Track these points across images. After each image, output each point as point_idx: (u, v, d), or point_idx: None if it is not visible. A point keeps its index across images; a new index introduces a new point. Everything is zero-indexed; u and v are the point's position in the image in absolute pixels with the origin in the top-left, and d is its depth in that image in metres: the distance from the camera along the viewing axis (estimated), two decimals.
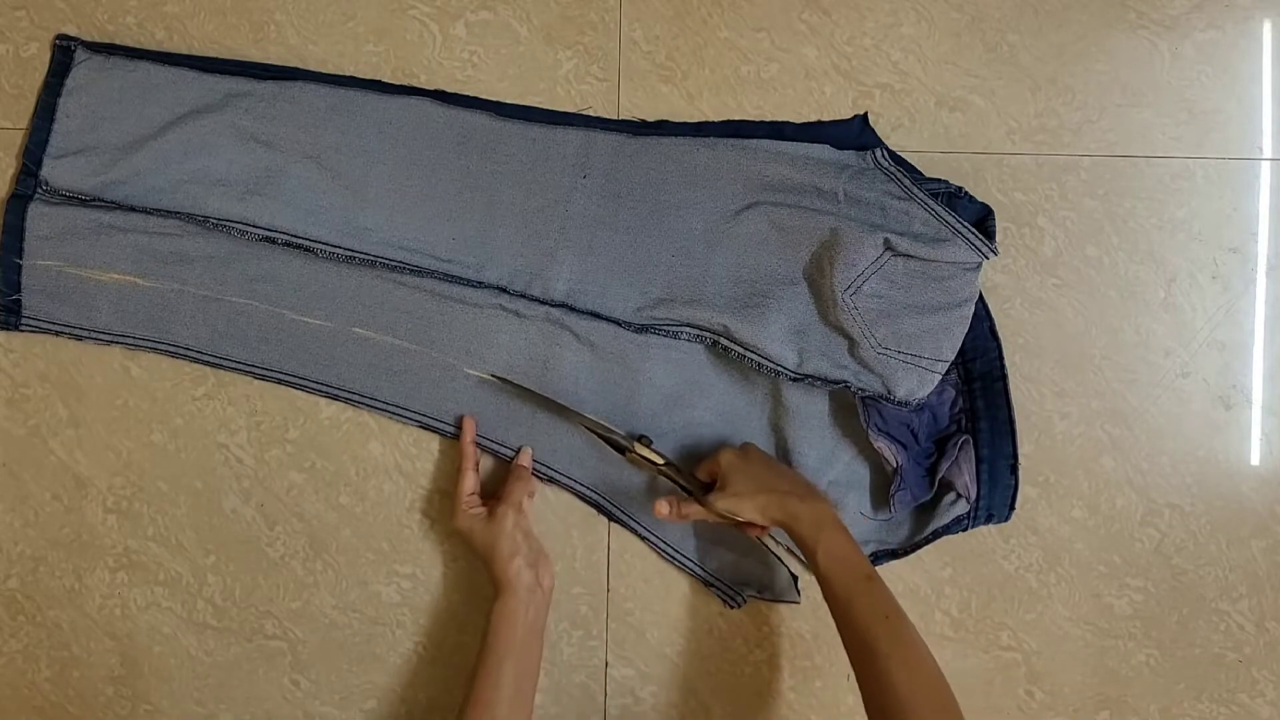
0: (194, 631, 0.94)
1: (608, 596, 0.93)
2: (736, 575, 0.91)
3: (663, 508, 0.81)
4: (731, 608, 0.91)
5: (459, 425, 0.90)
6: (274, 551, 0.94)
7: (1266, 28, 0.91)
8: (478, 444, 0.90)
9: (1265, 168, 0.91)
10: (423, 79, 0.93)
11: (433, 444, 0.93)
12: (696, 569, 0.91)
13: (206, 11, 0.93)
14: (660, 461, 0.85)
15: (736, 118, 0.91)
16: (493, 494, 0.90)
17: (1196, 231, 0.91)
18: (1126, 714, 0.92)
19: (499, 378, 0.89)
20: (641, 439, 0.86)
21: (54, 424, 0.94)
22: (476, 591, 0.93)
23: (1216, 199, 0.91)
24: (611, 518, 0.92)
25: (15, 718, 0.95)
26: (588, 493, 0.91)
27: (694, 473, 0.86)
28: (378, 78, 0.92)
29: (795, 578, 0.91)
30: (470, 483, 0.88)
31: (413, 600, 0.93)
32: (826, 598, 0.75)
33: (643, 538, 0.91)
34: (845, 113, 0.91)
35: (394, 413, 0.91)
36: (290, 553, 0.94)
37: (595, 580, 0.93)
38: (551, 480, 0.91)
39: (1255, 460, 0.91)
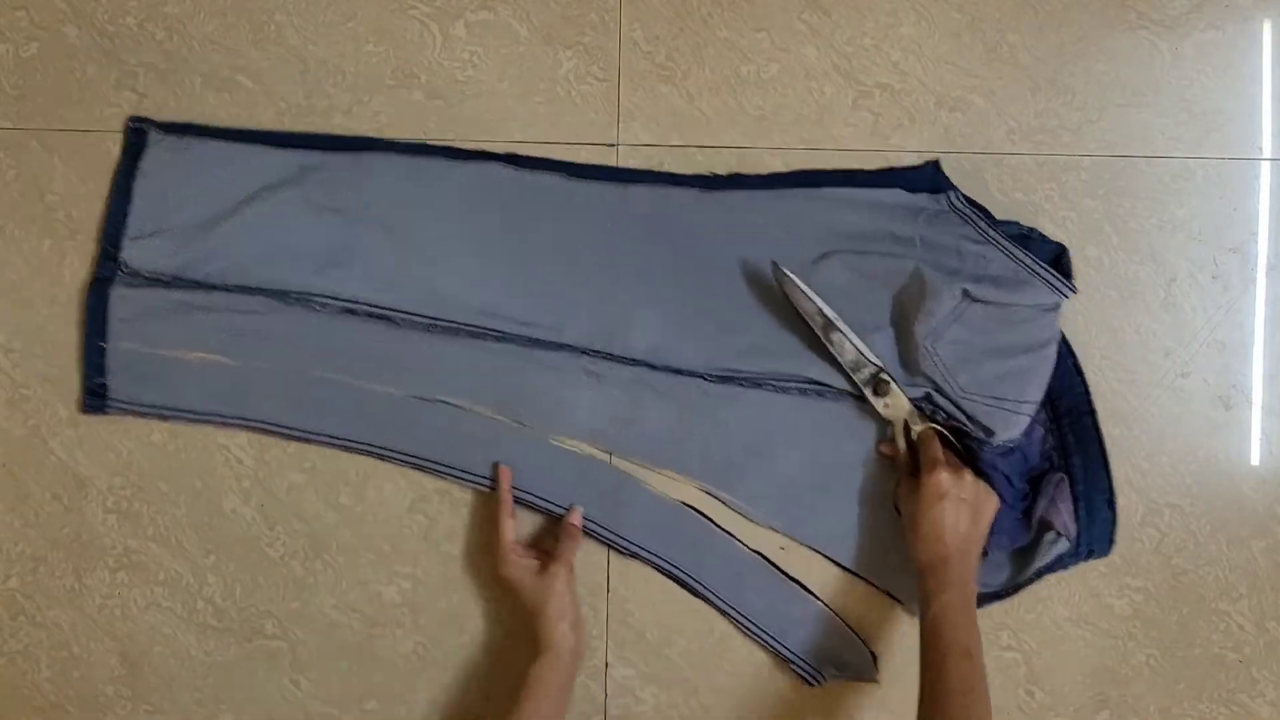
0: (194, 631, 0.94)
1: (608, 596, 0.93)
2: (819, 655, 0.90)
3: (886, 447, 0.88)
4: (810, 686, 0.90)
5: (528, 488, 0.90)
6: (274, 551, 0.94)
7: (1266, 28, 0.91)
8: (521, 498, 0.89)
9: (1265, 168, 0.91)
10: (423, 79, 0.93)
11: None
12: (779, 646, 0.90)
13: (206, 12, 0.93)
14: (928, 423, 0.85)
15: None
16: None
17: (1196, 231, 0.91)
18: (1126, 714, 0.92)
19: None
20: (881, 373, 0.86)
21: (54, 424, 0.94)
22: (475, 591, 0.93)
23: (1216, 199, 0.91)
24: (695, 594, 0.91)
25: (15, 718, 0.95)
26: (663, 564, 0.91)
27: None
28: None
29: (874, 656, 0.91)
30: (511, 530, 0.87)
31: (413, 600, 0.93)
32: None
33: (722, 611, 0.91)
34: (845, 112, 0.91)
35: (475, 481, 0.90)
36: (290, 553, 0.94)
37: (595, 580, 0.93)
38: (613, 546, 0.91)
39: (1255, 460, 0.91)
